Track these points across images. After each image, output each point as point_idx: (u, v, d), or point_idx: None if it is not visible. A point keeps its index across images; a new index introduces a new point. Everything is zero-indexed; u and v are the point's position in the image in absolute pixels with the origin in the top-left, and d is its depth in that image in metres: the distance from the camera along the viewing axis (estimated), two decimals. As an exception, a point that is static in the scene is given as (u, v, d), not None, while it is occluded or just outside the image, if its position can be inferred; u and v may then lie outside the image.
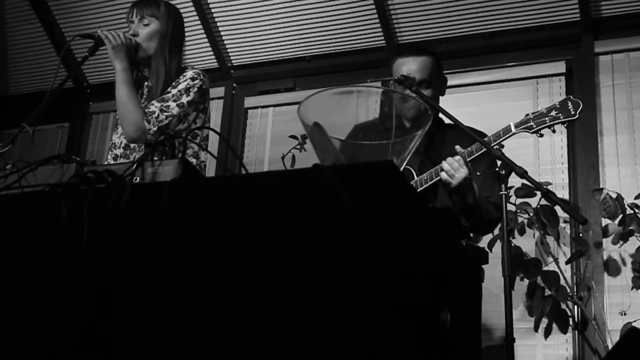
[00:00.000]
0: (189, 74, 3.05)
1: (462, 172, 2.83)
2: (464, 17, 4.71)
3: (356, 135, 2.30)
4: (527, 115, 2.94)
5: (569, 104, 2.89)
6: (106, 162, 3.08)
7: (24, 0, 5.56)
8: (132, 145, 3.04)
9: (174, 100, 2.96)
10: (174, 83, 3.03)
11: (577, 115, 2.87)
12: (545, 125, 2.89)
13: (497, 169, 3.04)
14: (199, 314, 1.59)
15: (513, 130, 2.91)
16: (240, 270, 1.58)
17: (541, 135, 2.94)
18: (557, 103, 2.91)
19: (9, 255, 1.81)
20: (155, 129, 2.88)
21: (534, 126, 2.90)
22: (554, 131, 2.93)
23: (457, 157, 2.85)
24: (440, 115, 3.02)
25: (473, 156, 2.89)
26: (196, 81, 3.03)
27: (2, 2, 5.65)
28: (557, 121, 2.88)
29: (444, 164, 2.86)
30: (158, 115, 2.91)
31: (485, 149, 2.88)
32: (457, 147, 2.89)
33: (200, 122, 3.07)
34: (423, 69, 3.10)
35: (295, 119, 2.11)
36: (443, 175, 2.85)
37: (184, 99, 2.98)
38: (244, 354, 1.52)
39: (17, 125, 2.69)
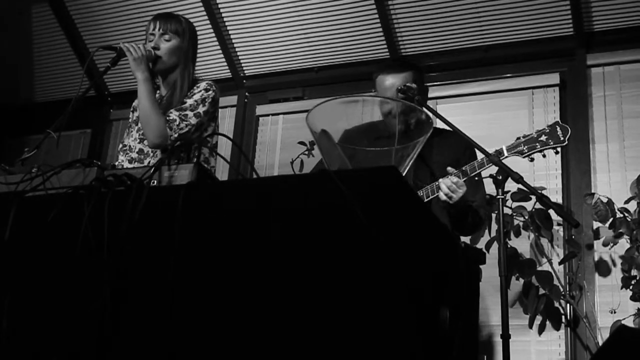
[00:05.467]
0: (203, 85, 3.06)
1: (459, 193, 2.84)
2: (463, 31, 4.71)
3: (347, 139, 2.30)
4: (518, 139, 2.95)
5: (558, 129, 2.91)
6: (117, 162, 3.08)
7: (49, 13, 5.58)
8: (145, 150, 3.05)
9: (192, 110, 2.97)
10: (188, 93, 3.04)
11: (566, 142, 2.89)
12: (536, 150, 2.92)
13: (480, 173, 3.06)
14: (213, 313, 1.59)
15: (505, 154, 2.92)
16: (252, 268, 1.58)
17: (532, 160, 2.95)
18: (546, 127, 2.93)
19: (33, 254, 1.81)
20: (176, 135, 2.90)
21: (525, 151, 2.92)
22: (544, 156, 2.94)
23: (455, 179, 2.85)
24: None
25: (467, 177, 2.89)
26: (209, 92, 3.04)
27: (28, 15, 5.68)
28: (547, 147, 2.90)
29: (442, 186, 2.86)
30: (179, 123, 2.92)
31: (477, 171, 2.89)
32: (449, 169, 2.89)
33: (211, 130, 3.08)
34: (404, 83, 3.10)
35: (303, 126, 2.12)
36: (441, 195, 2.86)
37: (201, 109, 2.99)
38: (251, 350, 1.52)
39: (42, 131, 2.69)
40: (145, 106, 2.92)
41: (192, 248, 1.64)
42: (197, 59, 3.23)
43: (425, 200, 2.95)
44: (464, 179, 2.87)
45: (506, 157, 2.91)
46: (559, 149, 2.93)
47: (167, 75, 3.10)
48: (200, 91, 3.04)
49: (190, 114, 2.96)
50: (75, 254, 1.70)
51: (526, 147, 2.91)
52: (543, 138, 2.91)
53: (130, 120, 3.24)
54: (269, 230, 1.59)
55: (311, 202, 1.58)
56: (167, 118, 2.92)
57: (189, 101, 3.00)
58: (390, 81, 3.12)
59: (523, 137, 2.94)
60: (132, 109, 3.26)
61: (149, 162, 3.01)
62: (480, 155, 2.92)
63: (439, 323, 1.62)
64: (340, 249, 1.50)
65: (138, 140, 3.08)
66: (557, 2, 4.44)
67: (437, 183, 2.89)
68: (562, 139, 2.89)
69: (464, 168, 2.90)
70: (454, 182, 2.84)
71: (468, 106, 4.66)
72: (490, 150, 2.86)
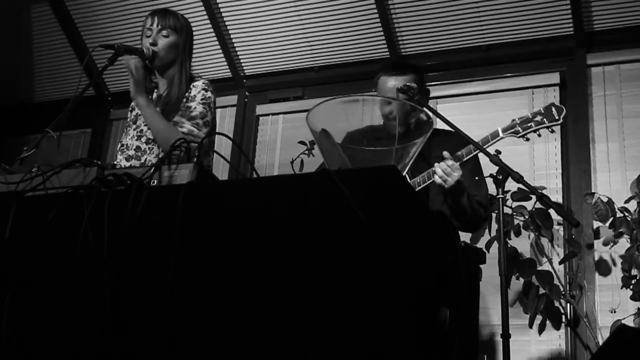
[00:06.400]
0: (200, 85, 3.05)
1: (455, 176, 2.83)
2: (463, 30, 4.71)
3: (349, 141, 2.30)
4: (513, 120, 2.94)
5: (553, 109, 2.90)
6: (115, 162, 3.07)
7: (49, 12, 5.58)
8: (142, 147, 3.05)
9: (202, 118, 2.98)
10: (186, 93, 3.04)
11: (561, 120, 2.88)
12: (531, 129, 2.91)
13: (481, 171, 3.06)
14: (213, 313, 1.59)
15: (501, 134, 2.92)
16: (252, 268, 1.58)
17: (527, 139, 2.94)
18: (541, 109, 2.93)
19: (33, 254, 1.81)
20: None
21: (521, 131, 2.91)
22: (539, 135, 2.93)
23: (450, 162, 2.84)
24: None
25: (464, 159, 2.89)
26: (208, 93, 3.05)
27: (28, 14, 5.67)
28: (542, 126, 2.90)
29: (437, 169, 2.85)
30: (197, 133, 2.93)
31: (473, 154, 2.88)
32: (445, 153, 2.88)
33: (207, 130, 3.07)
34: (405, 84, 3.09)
35: (304, 125, 2.11)
36: (437, 178, 2.85)
37: (209, 117, 3.01)
38: (252, 350, 1.52)
39: (41, 130, 2.69)
40: (158, 125, 2.90)
41: (192, 248, 1.64)
42: (198, 59, 3.24)
43: (422, 186, 2.95)
44: (459, 163, 2.87)
45: (502, 137, 2.90)
46: (554, 128, 2.91)
47: (164, 71, 3.10)
48: (200, 92, 3.03)
49: (200, 122, 2.97)
50: (75, 254, 1.70)
51: (521, 127, 2.91)
52: (538, 118, 2.90)
53: (128, 119, 3.24)
54: (269, 230, 1.59)
55: (311, 201, 1.58)
56: (182, 130, 2.91)
57: (198, 108, 2.98)
58: (393, 83, 3.12)
59: (518, 118, 2.94)
60: (130, 109, 3.26)
61: (146, 159, 3.01)
62: (480, 155, 2.92)
63: (439, 323, 1.62)
64: (340, 248, 1.50)
65: (135, 138, 3.08)
66: (557, 1, 4.44)
67: (433, 168, 2.89)
68: (557, 117, 2.88)
69: (459, 153, 2.89)
70: (449, 164, 2.83)
71: (468, 106, 4.66)
72: (486, 134, 2.87)
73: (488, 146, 2.88)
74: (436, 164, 2.87)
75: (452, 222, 2.99)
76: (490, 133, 2.93)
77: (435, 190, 2.96)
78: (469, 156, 2.90)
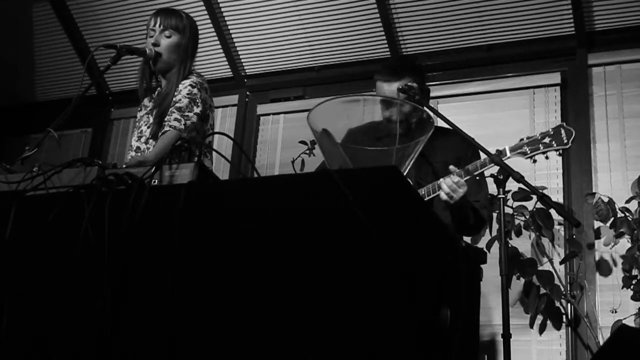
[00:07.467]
0: (188, 81, 3.02)
1: (460, 192, 2.83)
2: (464, 30, 4.71)
3: (351, 139, 2.30)
4: (521, 140, 2.93)
5: (562, 132, 2.89)
6: (124, 165, 3.07)
7: (50, 11, 5.58)
8: (142, 147, 3.05)
9: (190, 111, 2.95)
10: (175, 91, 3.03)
11: (570, 144, 2.87)
12: (539, 152, 2.89)
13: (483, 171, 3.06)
14: (213, 313, 1.59)
15: (508, 154, 2.89)
16: (252, 267, 1.58)
17: (534, 161, 2.93)
18: (550, 129, 2.91)
19: (33, 254, 1.81)
20: (185, 134, 2.89)
21: (528, 152, 2.90)
22: (547, 157, 2.92)
23: (456, 179, 2.83)
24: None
25: (469, 176, 2.87)
26: (195, 89, 3.00)
27: (29, 14, 5.67)
28: (550, 148, 2.89)
29: (443, 185, 2.84)
30: (185, 122, 2.91)
31: (479, 170, 2.87)
32: (452, 167, 2.87)
33: (203, 132, 3.04)
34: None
35: (304, 125, 2.11)
36: (442, 195, 2.85)
37: (195, 111, 2.96)
38: (251, 350, 1.52)
39: (43, 130, 2.69)
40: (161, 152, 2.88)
41: (192, 248, 1.64)
42: (198, 59, 3.22)
43: (426, 198, 2.95)
44: (466, 179, 2.86)
45: (508, 157, 2.89)
46: (561, 151, 2.91)
47: (167, 71, 3.09)
48: (187, 87, 3.00)
49: (179, 116, 2.94)
50: (76, 254, 1.70)
51: (529, 148, 2.90)
52: (546, 140, 2.89)
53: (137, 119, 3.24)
54: (269, 230, 1.59)
55: (312, 201, 1.58)
56: (177, 126, 2.89)
57: (184, 101, 2.95)
58: (387, 89, 3.07)
59: (527, 138, 2.93)
60: (139, 108, 3.25)
61: None
62: (483, 155, 2.91)
63: (439, 323, 1.62)
64: (340, 248, 1.50)
65: (136, 139, 3.10)
66: (558, 1, 4.44)
67: (438, 182, 2.88)
68: (565, 141, 2.88)
69: (465, 167, 2.89)
70: (454, 181, 2.83)
71: (469, 105, 4.66)
72: (491, 150, 2.85)
73: (493, 165, 2.87)
74: (442, 180, 2.86)
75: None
76: (497, 152, 2.89)
77: (439, 203, 2.94)
78: (475, 173, 2.88)
